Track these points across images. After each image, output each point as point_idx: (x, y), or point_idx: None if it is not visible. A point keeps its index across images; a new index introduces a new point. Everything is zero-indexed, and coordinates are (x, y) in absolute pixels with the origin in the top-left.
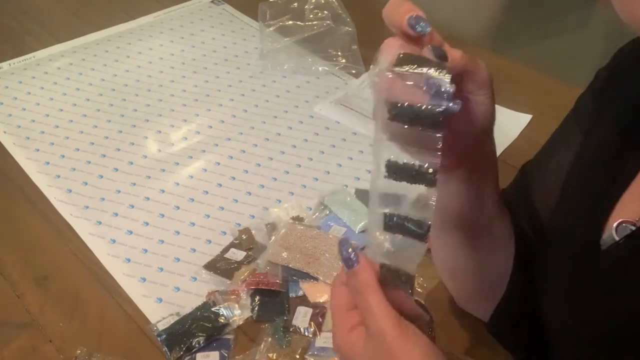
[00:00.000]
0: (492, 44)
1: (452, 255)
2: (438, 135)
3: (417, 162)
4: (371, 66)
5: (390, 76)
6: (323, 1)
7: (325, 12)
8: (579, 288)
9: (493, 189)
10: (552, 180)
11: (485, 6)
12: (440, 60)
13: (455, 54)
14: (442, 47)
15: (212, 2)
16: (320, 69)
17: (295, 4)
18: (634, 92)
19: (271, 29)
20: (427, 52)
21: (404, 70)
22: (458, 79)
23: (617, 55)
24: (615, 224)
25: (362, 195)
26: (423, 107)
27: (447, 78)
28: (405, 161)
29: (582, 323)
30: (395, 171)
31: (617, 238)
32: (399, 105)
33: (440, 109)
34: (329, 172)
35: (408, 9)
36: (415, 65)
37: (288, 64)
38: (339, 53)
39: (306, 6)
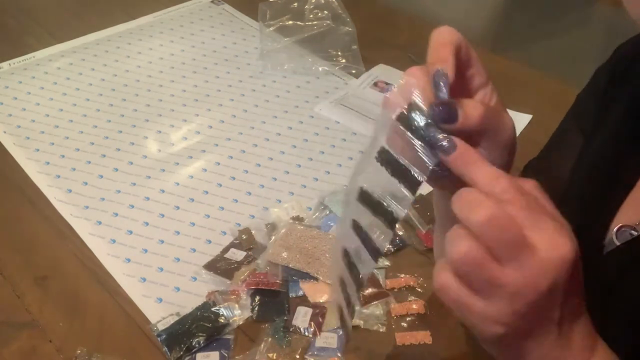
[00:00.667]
0: (492, 44)
1: None
2: (410, 196)
3: (408, 167)
4: (393, 88)
5: (392, 124)
6: (323, 1)
7: (325, 12)
8: None
9: None
10: (554, 181)
11: (485, 6)
12: (445, 121)
13: (474, 112)
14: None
15: (212, 2)
16: (320, 69)
17: (295, 4)
18: (634, 94)
19: (271, 29)
20: (430, 109)
21: (402, 129)
22: (474, 134)
23: (615, 54)
24: (615, 229)
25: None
26: (406, 168)
27: (431, 162)
28: (399, 160)
29: None
30: (387, 162)
31: (617, 242)
32: (389, 152)
33: (419, 178)
34: (329, 172)
35: (443, 58)
36: (412, 134)
37: (288, 64)
38: (339, 53)
39: (306, 6)
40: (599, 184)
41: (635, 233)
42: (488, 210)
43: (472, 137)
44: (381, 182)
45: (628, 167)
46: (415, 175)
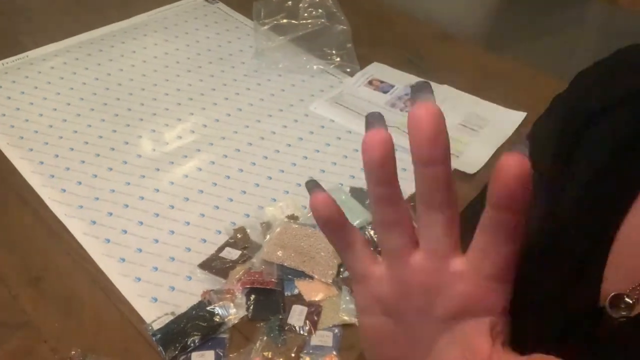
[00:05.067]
0: (485, 41)
1: None
2: None
3: None
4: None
5: None
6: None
7: (320, 10)
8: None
9: None
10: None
11: (480, 3)
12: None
13: None
14: None
15: (206, 0)
16: (315, 67)
17: (290, 2)
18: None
19: (266, 27)
20: None
21: None
22: None
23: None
24: (609, 297)
25: (357, 194)
26: None
27: None
28: None
29: None
30: None
31: (613, 314)
32: None
33: None
34: (324, 171)
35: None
36: None
37: (283, 63)
38: (334, 51)
39: (300, 4)
40: (575, 247)
41: (629, 301)
42: None
43: None
44: None
45: (606, 223)
46: None
